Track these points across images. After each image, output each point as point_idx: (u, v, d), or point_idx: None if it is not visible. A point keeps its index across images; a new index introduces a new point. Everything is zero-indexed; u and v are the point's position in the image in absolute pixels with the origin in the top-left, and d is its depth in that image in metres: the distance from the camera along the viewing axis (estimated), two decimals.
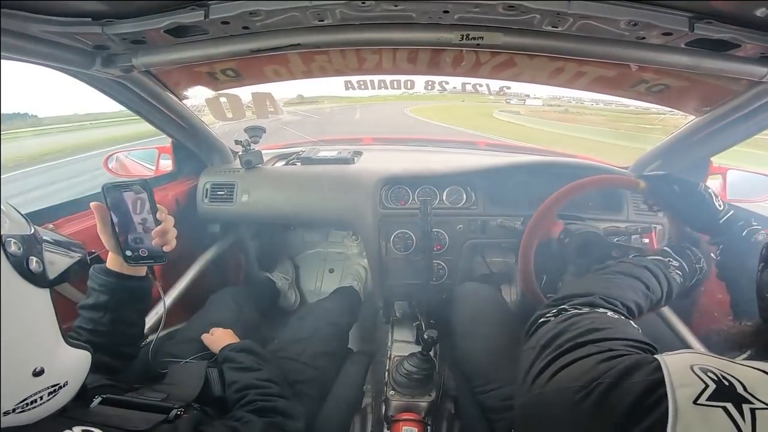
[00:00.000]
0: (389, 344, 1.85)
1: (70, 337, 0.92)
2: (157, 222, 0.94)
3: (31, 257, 0.61)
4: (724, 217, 1.09)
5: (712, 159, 1.63)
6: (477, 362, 1.30)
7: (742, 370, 0.45)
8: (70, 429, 0.65)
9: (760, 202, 1.68)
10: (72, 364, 0.69)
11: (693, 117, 1.44)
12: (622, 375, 0.50)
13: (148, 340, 1.37)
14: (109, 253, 0.97)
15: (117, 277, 0.97)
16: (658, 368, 0.48)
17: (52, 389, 0.63)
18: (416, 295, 1.85)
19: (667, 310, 1.42)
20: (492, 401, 1.17)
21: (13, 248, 0.59)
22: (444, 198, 1.84)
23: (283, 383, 1.11)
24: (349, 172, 1.95)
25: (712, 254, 1.14)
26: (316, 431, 1.18)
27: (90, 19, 0.95)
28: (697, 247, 1.13)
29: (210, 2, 0.93)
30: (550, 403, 0.56)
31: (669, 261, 1.01)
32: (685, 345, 1.34)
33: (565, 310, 0.73)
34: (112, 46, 1.08)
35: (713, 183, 1.70)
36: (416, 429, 1.49)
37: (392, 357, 1.77)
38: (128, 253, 0.95)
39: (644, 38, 0.98)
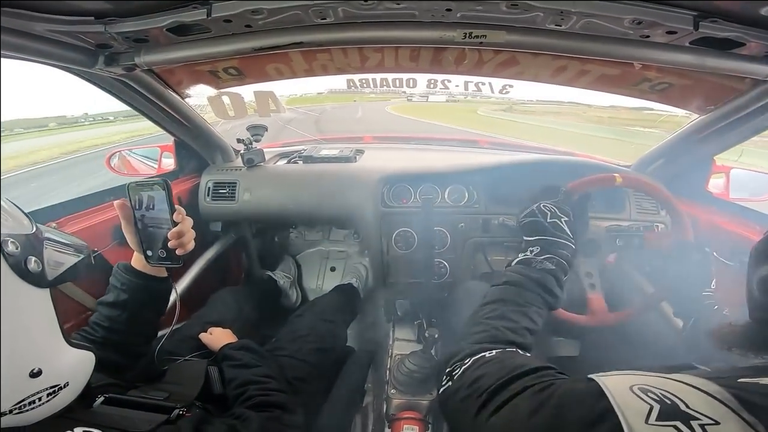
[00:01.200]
0: (390, 343, 1.85)
1: (83, 333, 0.93)
2: (174, 223, 0.93)
3: (29, 257, 0.61)
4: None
5: (715, 158, 1.62)
6: None
7: (677, 386, 0.46)
8: (71, 430, 0.65)
9: (764, 201, 1.67)
10: (73, 365, 0.69)
11: (696, 115, 1.43)
12: (564, 405, 0.50)
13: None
14: (134, 252, 0.98)
15: (139, 277, 0.97)
16: (601, 392, 0.48)
17: (51, 390, 0.63)
18: (418, 294, 1.85)
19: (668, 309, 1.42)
20: None
21: (10, 248, 0.58)
22: (446, 196, 1.84)
23: (281, 378, 1.11)
24: (350, 170, 1.95)
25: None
26: (318, 429, 1.18)
27: (93, 17, 0.95)
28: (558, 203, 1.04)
29: (212, 1, 0.93)
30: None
31: (531, 252, 0.95)
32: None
33: (453, 371, 0.72)
34: (115, 44, 1.08)
35: (717, 182, 1.69)
36: (417, 428, 1.49)
37: (393, 355, 1.77)
38: (149, 252, 0.95)
39: (648, 36, 0.98)
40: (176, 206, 0.93)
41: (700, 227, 1.49)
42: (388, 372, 1.69)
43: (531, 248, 0.95)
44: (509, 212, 1.77)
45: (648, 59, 1.07)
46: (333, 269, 2.51)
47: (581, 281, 1.37)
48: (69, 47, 1.04)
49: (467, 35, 1.04)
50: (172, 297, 1.11)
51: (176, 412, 0.82)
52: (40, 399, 0.61)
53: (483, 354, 0.71)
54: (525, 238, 1.01)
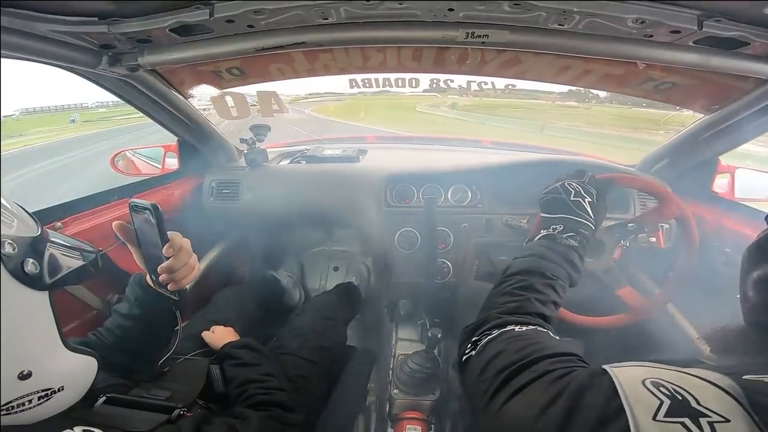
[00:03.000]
0: (393, 343, 1.86)
1: (97, 334, 0.92)
2: (165, 257, 0.84)
3: (27, 259, 0.60)
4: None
5: (720, 157, 1.61)
6: None
7: (691, 382, 0.45)
8: (71, 429, 0.64)
9: None
10: (70, 370, 0.68)
11: (701, 115, 1.42)
12: (576, 396, 0.49)
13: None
14: None
15: (149, 294, 0.91)
16: (612, 385, 0.48)
17: (43, 394, 0.62)
18: (421, 294, 1.85)
19: (673, 309, 1.41)
20: None
21: (7, 249, 0.58)
22: (449, 196, 1.84)
23: (282, 377, 1.11)
24: (353, 170, 1.95)
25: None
26: (320, 429, 1.18)
27: (96, 18, 0.95)
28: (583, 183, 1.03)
29: (215, 1, 0.93)
30: (510, 429, 0.55)
31: (554, 230, 0.94)
32: (690, 343, 1.33)
33: (479, 340, 0.71)
34: (118, 45, 1.08)
35: (721, 182, 1.68)
36: (420, 428, 1.49)
37: (396, 355, 1.78)
38: (153, 276, 0.88)
39: (652, 36, 0.97)
40: (170, 235, 0.84)
41: (706, 227, 1.48)
42: (391, 372, 1.69)
43: (554, 225, 0.95)
44: (513, 212, 1.76)
45: (652, 59, 1.06)
46: (336, 269, 2.51)
47: (598, 281, 1.35)
48: (72, 47, 1.04)
49: (470, 35, 1.04)
50: None
51: (177, 411, 0.82)
52: (30, 401, 0.60)
53: (512, 328, 0.70)
54: (545, 214, 1.00)
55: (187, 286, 0.93)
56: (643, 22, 0.91)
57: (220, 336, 1.28)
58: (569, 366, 0.57)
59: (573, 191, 0.99)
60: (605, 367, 0.52)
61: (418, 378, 1.57)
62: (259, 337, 1.31)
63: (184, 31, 1.02)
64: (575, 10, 0.90)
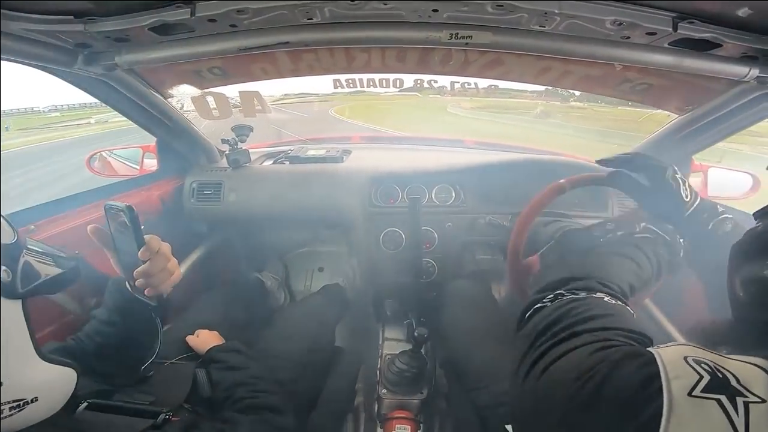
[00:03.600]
0: (380, 343, 1.86)
1: (76, 340, 0.89)
2: (142, 261, 0.81)
3: None
4: (690, 210, 0.99)
5: (694, 157, 1.66)
6: (468, 359, 1.31)
7: (736, 365, 0.45)
8: None
9: (741, 199, 1.72)
10: (46, 381, 0.66)
11: (676, 115, 1.47)
12: (615, 365, 0.49)
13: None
14: None
15: (129, 301, 0.87)
16: (653, 359, 0.47)
17: (15, 404, 0.60)
18: (406, 293, 1.86)
19: (651, 305, 1.45)
20: (484, 398, 1.18)
21: None
22: (433, 196, 1.85)
23: (270, 380, 1.10)
24: (338, 170, 1.94)
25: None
26: (309, 430, 1.18)
27: (72, 17, 0.93)
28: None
29: (196, 0, 0.91)
30: (545, 396, 0.55)
31: (655, 238, 0.99)
32: (671, 340, 1.37)
33: (562, 295, 0.70)
34: (95, 44, 1.05)
35: (694, 180, 1.73)
36: (409, 427, 1.50)
37: (383, 355, 1.78)
38: (130, 282, 0.85)
39: (629, 38, 1.00)
40: (147, 239, 0.81)
41: None
42: (378, 372, 1.69)
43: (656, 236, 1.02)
44: (496, 211, 1.79)
45: (628, 60, 1.09)
46: (321, 270, 2.50)
47: None
48: (46, 46, 1.01)
49: (453, 36, 1.05)
50: None
51: (162, 416, 0.80)
52: (1, 411, 0.58)
53: (602, 297, 0.69)
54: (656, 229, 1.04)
55: (166, 292, 0.89)
56: (620, 24, 0.93)
57: (204, 340, 1.26)
58: (619, 341, 0.56)
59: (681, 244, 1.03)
60: (651, 348, 0.52)
61: (405, 377, 1.57)
62: (244, 340, 1.30)
63: (164, 30, 1.00)
64: (556, 11, 0.91)
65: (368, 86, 1.58)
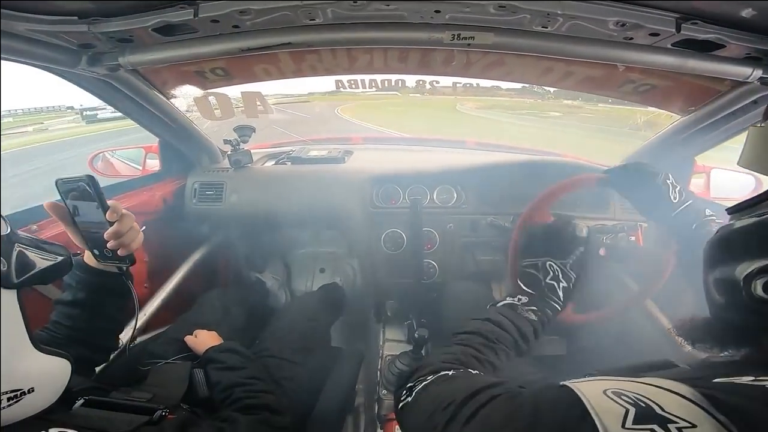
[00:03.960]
0: (381, 343, 1.86)
1: (46, 332, 0.89)
2: (110, 222, 0.85)
3: None
4: (677, 210, 1.07)
5: (696, 158, 1.66)
6: None
7: (653, 391, 0.45)
8: (46, 430, 0.63)
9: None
10: (41, 371, 0.67)
11: (679, 116, 1.46)
12: (538, 411, 0.48)
13: (136, 342, 1.36)
14: None
15: (92, 274, 0.91)
16: (576, 397, 0.46)
17: (12, 395, 0.61)
18: (407, 294, 1.86)
19: (651, 305, 1.45)
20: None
21: None
22: (434, 197, 1.85)
23: (268, 380, 1.11)
24: (339, 171, 1.94)
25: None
26: (309, 431, 1.18)
27: (76, 17, 0.93)
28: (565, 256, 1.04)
29: (199, 1, 0.92)
30: None
31: (519, 300, 0.96)
32: (667, 338, 1.37)
33: (413, 387, 0.72)
34: (98, 44, 1.06)
35: (697, 182, 1.73)
36: None
37: (384, 356, 1.78)
38: (95, 251, 0.89)
39: (632, 39, 1.00)
40: (110, 203, 0.85)
41: None
42: (378, 372, 1.69)
43: (520, 296, 0.97)
44: (498, 212, 1.79)
45: (631, 61, 1.09)
46: (323, 270, 2.50)
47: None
48: (51, 47, 1.02)
49: (455, 37, 1.05)
50: (157, 301, 1.07)
51: (159, 413, 0.81)
52: None
53: (446, 372, 0.71)
54: (519, 282, 1.02)
55: (135, 250, 0.92)
56: (623, 25, 0.93)
57: (203, 340, 1.26)
58: (516, 389, 0.57)
59: (551, 273, 1.00)
60: (563, 383, 0.51)
61: (406, 378, 1.57)
62: (244, 341, 1.30)
63: (168, 30, 1.00)
64: (558, 12, 0.91)
65: (370, 87, 1.58)
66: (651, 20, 0.90)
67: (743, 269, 0.52)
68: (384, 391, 1.61)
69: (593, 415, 0.43)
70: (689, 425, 0.40)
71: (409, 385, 0.74)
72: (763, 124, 0.74)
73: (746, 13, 0.82)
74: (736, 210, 0.59)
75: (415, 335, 1.55)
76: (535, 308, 0.94)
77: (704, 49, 0.97)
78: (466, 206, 1.84)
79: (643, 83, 1.32)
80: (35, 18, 0.89)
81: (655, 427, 0.40)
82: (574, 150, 2.64)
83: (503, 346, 0.86)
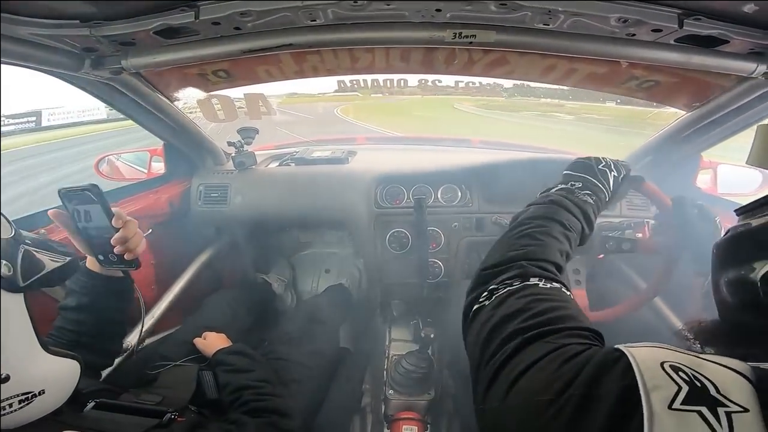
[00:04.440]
0: (387, 343, 1.86)
1: (51, 336, 0.90)
2: (115, 229, 0.88)
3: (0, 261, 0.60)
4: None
5: (702, 154, 1.64)
6: None
7: (713, 369, 0.43)
8: None
9: (751, 196, 1.70)
10: (51, 373, 0.67)
11: (683, 112, 1.45)
12: (592, 382, 0.46)
13: (144, 344, 1.37)
14: None
15: (96, 279, 0.94)
16: (629, 368, 0.45)
17: (24, 397, 0.61)
18: (413, 294, 1.86)
19: (660, 303, 1.44)
20: None
21: None
22: (439, 196, 1.84)
23: (277, 383, 1.11)
24: (343, 171, 1.94)
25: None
26: (316, 431, 1.18)
27: (78, 21, 0.94)
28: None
29: (200, 3, 0.92)
30: (516, 420, 0.51)
31: (572, 185, 0.93)
32: (679, 338, 1.35)
33: (497, 290, 0.66)
34: (101, 48, 1.06)
35: (704, 177, 1.71)
36: (416, 427, 1.50)
37: (390, 356, 1.78)
38: (100, 257, 0.92)
39: (634, 35, 0.99)
40: (114, 210, 0.88)
41: None
42: (385, 373, 1.69)
43: (573, 182, 0.94)
44: (503, 211, 1.78)
45: (634, 57, 1.08)
46: (328, 271, 2.51)
47: (567, 278, 1.38)
48: (54, 51, 1.03)
49: (457, 35, 1.05)
50: (164, 304, 1.08)
51: (168, 416, 0.81)
52: (10, 405, 0.60)
53: (537, 282, 0.65)
54: (567, 171, 0.99)
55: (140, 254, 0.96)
56: (625, 21, 0.92)
57: (212, 342, 1.27)
58: (587, 343, 0.54)
59: (603, 162, 0.99)
60: (621, 347, 0.49)
61: (412, 378, 1.57)
62: (251, 343, 1.30)
63: (169, 33, 1.01)
64: (560, 9, 0.91)
65: (372, 87, 1.58)
66: (653, 16, 0.90)
67: (760, 269, 0.50)
68: (391, 391, 1.60)
69: (642, 390, 0.42)
70: (741, 410, 0.38)
71: (491, 286, 0.68)
72: None
73: (749, 8, 0.81)
74: (746, 210, 0.58)
75: (422, 335, 1.55)
76: (589, 192, 0.92)
77: (708, 44, 0.97)
78: (471, 205, 1.83)
79: (647, 80, 1.31)
80: (37, 22, 0.90)
81: (703, 409, 0.39)
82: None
83: (574, 233, 0.82)
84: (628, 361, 0.45)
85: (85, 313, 0.93)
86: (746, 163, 0.85)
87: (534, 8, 0.92)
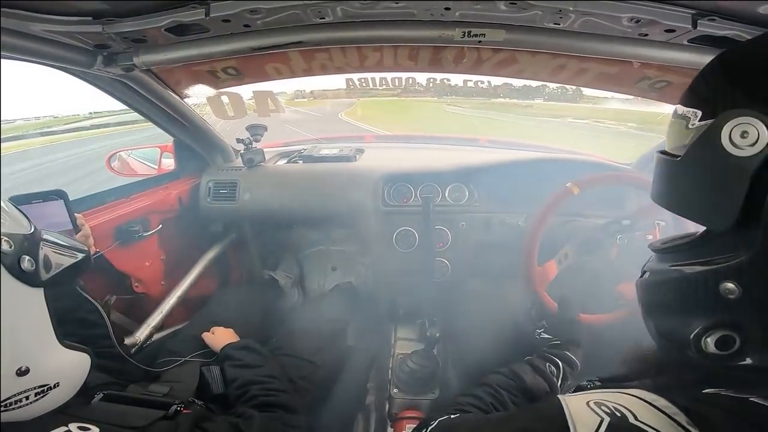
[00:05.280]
0: (392, 342, 1.86)
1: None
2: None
3: (23, 256, 0.61)
4: None
5: None
6: (480, 360, 1.30)
7: (630, 401, 0.48)
8: (66, 425, 0.65)
9: None
10: (65, 366, 0.69)
11: None
12: (528, 420, 0.55)
13: (152, 339, 1.38)
14: None
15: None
16: (560, 408, 0.50)
17: (39, 390, 0.63)
18: (419, 293, 1.85)
19: None
20: None
21: (4, 246, 0.59)
22: (446, 195, 1.84)
23: (284, 378, 1.12)
24: (351, 169, 1.95)
25: None
26: (320, 429, 1.18)
27: (91, 18, 0.95)
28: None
29: (211, 1, 0.93)
30: None
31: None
32: None
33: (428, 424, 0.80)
34: (113, 44, 1.08)
35: None
36: None
37: (395, 355, 1.78)
38: None
39: (647, 35, 0.98)
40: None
41: None
42: (390, 371, 1.70)
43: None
44: (510, 211, 1.77)
45: (647, 57, 1.07)
46: (334, 269, 2.51)
47: (597, 278, 1.37)
48: (67, 47, 1.04)
49: (466, 34, 1.04)
50: (172, 299, 1.11)
51: (174, 408, 0.82)
52: (27, 398, 0.61)
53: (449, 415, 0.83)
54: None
55: None
56: (637, 21, 0.91)
57: (220, 337, 1.28)
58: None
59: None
60: (559, 395, 0.56)
61: (417, 377, 1.57)
62: (259, 339, 1.31)
63: (180, 30, 1.02)
64: (571, 9, 0.90)
65: (381, 85, 1.58)
66: (666, 16, 0.89)
67: (688, 327, 0.49)
68: (395, 390, 1.61)
69: (570, 425, 0.47)
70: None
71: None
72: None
73: (763, 9, 0.79)
74: (666, 251, 0.58)
75: (427, 334, 1.55)
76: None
77: (722, 45, 0.95)
78: (479, 204, 1.82)
79: (660, 80, 1.28)
80: (50, 18, 0.91)
81: None
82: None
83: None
84: (560, 402, 0.52)
85: None
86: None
87: (545, 7, 0.92)
